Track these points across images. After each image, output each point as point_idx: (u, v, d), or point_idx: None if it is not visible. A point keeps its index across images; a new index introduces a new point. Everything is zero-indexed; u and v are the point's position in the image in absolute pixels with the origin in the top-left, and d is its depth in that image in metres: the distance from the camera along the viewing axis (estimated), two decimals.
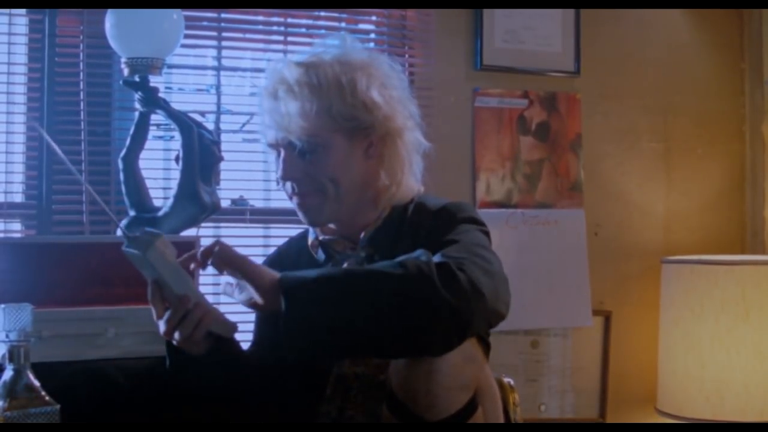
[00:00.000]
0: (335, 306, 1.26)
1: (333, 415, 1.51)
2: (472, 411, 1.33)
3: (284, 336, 1.24)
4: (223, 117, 2.41)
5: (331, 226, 1.58)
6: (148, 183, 2.07)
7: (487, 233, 1.49)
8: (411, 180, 1.58)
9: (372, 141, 1.52)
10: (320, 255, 1.60)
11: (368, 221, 1.56)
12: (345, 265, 1.55)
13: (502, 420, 1.42)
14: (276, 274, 1.33)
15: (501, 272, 1.37)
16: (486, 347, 1.50)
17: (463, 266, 1.28)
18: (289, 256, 1.66)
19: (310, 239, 1.63)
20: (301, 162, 1.50)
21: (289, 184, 1.53)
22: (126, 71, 1.97)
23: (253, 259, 1.42)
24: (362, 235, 1.55)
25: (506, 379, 1.69)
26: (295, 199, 1.54)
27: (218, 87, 2.41)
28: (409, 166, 1.57)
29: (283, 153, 1.52)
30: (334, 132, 1.49)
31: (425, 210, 1.54)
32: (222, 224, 2.39)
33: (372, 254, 1.53)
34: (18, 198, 2.26)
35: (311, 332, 1.25)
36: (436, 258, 1.30)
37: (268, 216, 2.48)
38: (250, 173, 2.44)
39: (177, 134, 1.99)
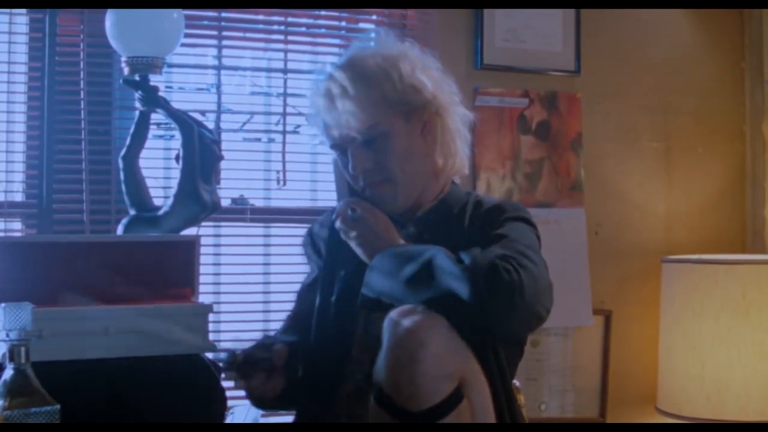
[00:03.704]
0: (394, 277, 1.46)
1: (358, 377, 1.55)
2: (457, 402, 1.34)
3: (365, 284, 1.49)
4: (223, 116, 2.41)
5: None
6: (149, 182, 2.07)
7: (537, 235, 1.58)
8: (462, 153, 1.68)
9: (426, 120, 1.62)
10: None
11: (427, 199, 1.66)
12: None
13: (492, 412, 1.42)
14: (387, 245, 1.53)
15: (545, 276, 1.45)
16: (520, 351, 1.63)
17: (509, 269, 1.37)
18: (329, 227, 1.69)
19: None
20: (368, 152, 1.59)
21: (361, 178, 1.61)
22: (126, 70, 1.97)
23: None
24: (418, 213, 1.64)
25: None
26: (368, 191, 1.62)
27: (218, 86, 2.41)
28: (461, 138, 1.68)
29: (350, 150, 1.60)
30: (392, 117, 1.59)
31: (482, 206, 1.63)
32: (222, 223, 2.39)
33: (421, 232, 1.61)
34: (18, 197, 2.26)
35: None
36: (487, 255, 1.39)
37: (268, 215, 2.48)
38: (250, 172, 2.44)
39: (177, 133, 1.99)
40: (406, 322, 1.34)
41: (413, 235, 1.60)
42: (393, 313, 1.37)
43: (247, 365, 1.53)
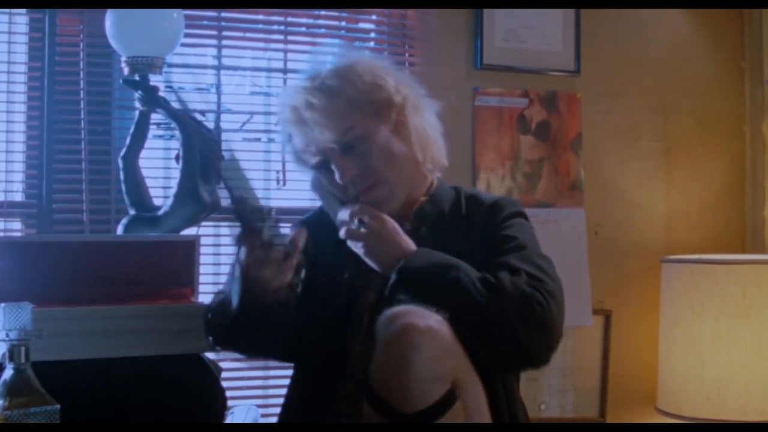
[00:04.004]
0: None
1: (360, 377, 1.53)
2: (450, 404, 1.33)
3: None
4: (223, 116, 2.41)
5: None
6: (148, 182, 2.07)
7: (531, 227, 1.64)
8: (438, 143, 1.69)
9: (396, 116, 1.62)
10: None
11: (418, 195, 1.67)
12: None
13: (487, 413, 1.41)
14: (406, 252, 1.52)
15: (562, 290, 1.48)
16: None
17: (541, 302, 1.40)
18: (326, 226, 1.67)
19: None
20: (351, 158, 1.58)
21: (350, 187, 1.60)
22: (126, 70, 1.97)
23: None
24: (413, 209, 1.65)
25: None
26: (361, 198, 1.60)
27: (218, 86, 2.41)
28: (433, 128, 1.68)
29: (332, 162, 1.59)
30: (364, 119, 1.58)
31: (479, 202, 1.64)
32: (222, 223, 2.39)
33: (417, 228, 1.62)
34: (18, 197, 2.26)
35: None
36: (518, 283, 1.41)
37: None
38: (250, 172, 2.44)
39: (177, 133, 1.99)
40: (399, 323, 1.32)
41: (410, 232, 1.59)
42: (387, 313, 1.36)
43: (267, 243, 1.45)
